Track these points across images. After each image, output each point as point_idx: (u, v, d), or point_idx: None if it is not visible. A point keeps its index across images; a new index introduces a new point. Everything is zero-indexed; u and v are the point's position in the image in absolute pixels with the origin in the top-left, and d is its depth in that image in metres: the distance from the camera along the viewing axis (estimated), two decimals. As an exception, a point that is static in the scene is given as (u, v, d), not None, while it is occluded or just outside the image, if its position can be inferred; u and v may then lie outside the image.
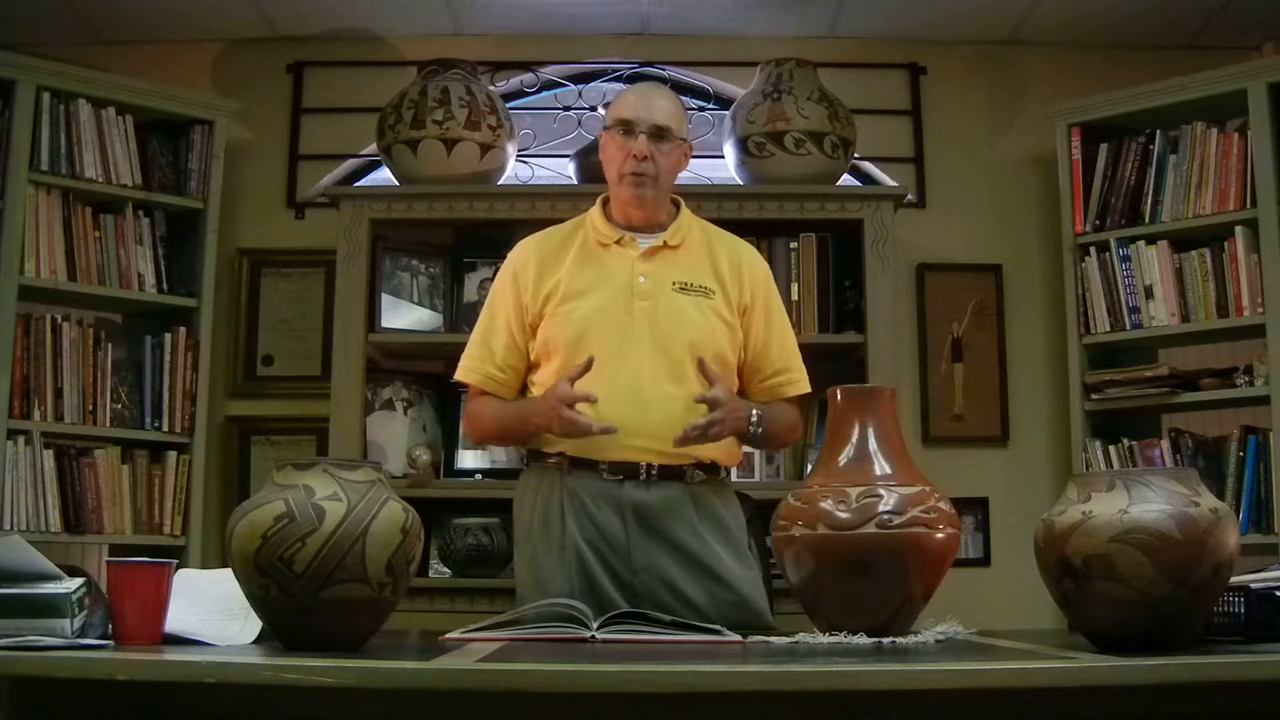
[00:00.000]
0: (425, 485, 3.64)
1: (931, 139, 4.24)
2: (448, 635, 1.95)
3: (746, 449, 2.77)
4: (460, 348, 3.95)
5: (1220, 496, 2.25)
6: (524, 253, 2.61)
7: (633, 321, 2.47)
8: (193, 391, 3.79)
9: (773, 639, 1.89)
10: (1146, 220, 3.76)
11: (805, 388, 2.62)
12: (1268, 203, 3.54)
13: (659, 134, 2.50)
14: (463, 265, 3.89)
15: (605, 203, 2.62)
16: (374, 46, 4.26)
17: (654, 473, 2.44)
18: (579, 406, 2.36)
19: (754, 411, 2.47)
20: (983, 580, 3.93)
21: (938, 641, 1.90)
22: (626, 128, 2.51)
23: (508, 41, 4.24)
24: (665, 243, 2.55)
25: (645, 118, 2.51)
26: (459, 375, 2.64)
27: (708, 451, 2.49)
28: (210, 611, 1.82)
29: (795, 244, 3.80)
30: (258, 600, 1.68)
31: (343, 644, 1.65)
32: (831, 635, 1.92)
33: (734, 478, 2.77)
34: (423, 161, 3.76)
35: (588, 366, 2.37)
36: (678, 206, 2.63)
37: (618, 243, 2.55)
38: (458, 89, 3.80)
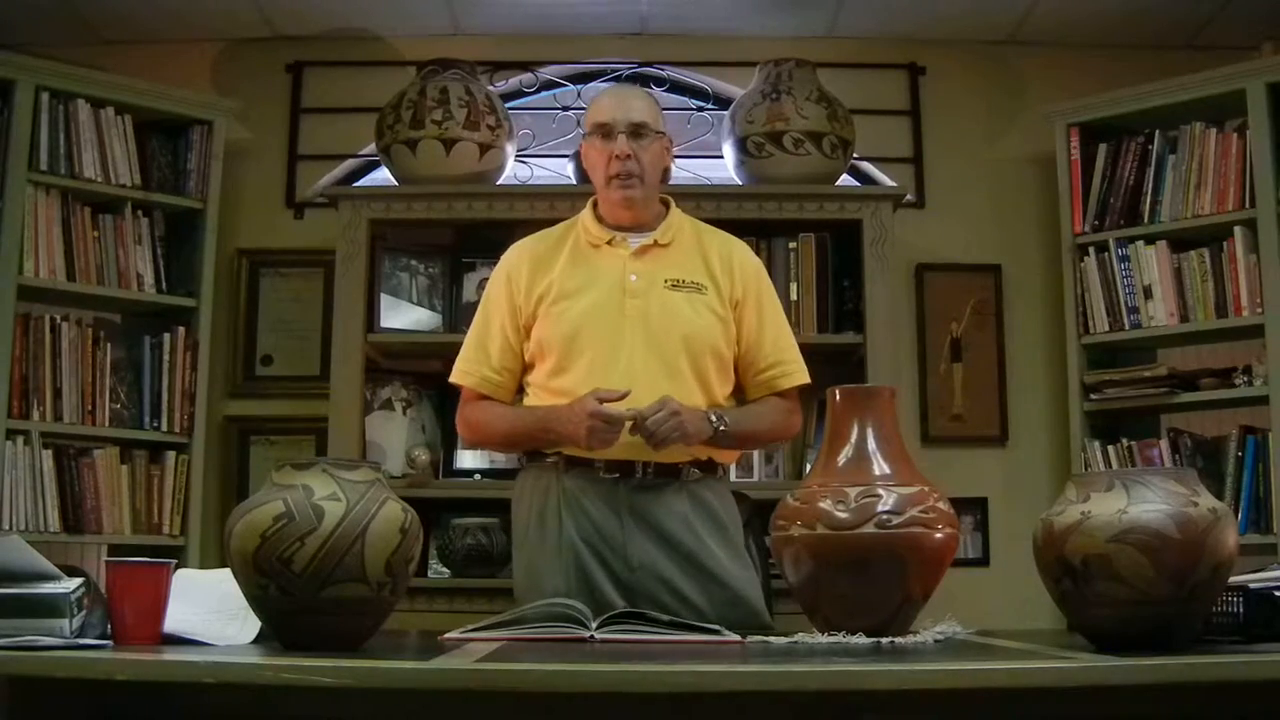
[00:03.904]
0: (424, 485, 3.65)
1: (930, 139, 4.24)
2: (447, 635, 1.94)
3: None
4: (459, 348, 3.95)
5: (1219, 496, 2.25)
6: (517, 255, 2.63)
7: (625, 320, 2.48)
8: (192, 391, 3.78)
9: (772, 639, 1.89)
10: (1145, 220, 3.76)
11: (802, 379, 2.61)
12: (1266, 203, 3.54)
13: (637, 131, 2.52)
14: (462, 265, 3.89)
15: (596, 204, 2.64)
16: (373, 46, 4.25)
17: (650, 471, 2.45)
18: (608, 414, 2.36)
19: (713, 414, 2.45)
20: (982, 580, 3.92)
21: (937, 641, 1.89)
22: (605, 131, 2.53)
23: (507, 41, 4.24)
24: (656, 241, 2.57)
25: (621, 118, 2.53)
26: (454, 378, 2.64)
27: (705, 449, 2.49)
28: (209, 611, 1.81)
29: (794, 244, 3.80)
30: (257, 600, 1.68)
31: (342, 644, 1.64)
32: (830, 635, 1.91)
33: (733, 477, 2.77)
34: (422, 161, 3.76)
35: (621, 397, 2.35)
36: (667, 206, 2.65)
37: (609, 243, 2.57)
38: (457, 89, 3.80)
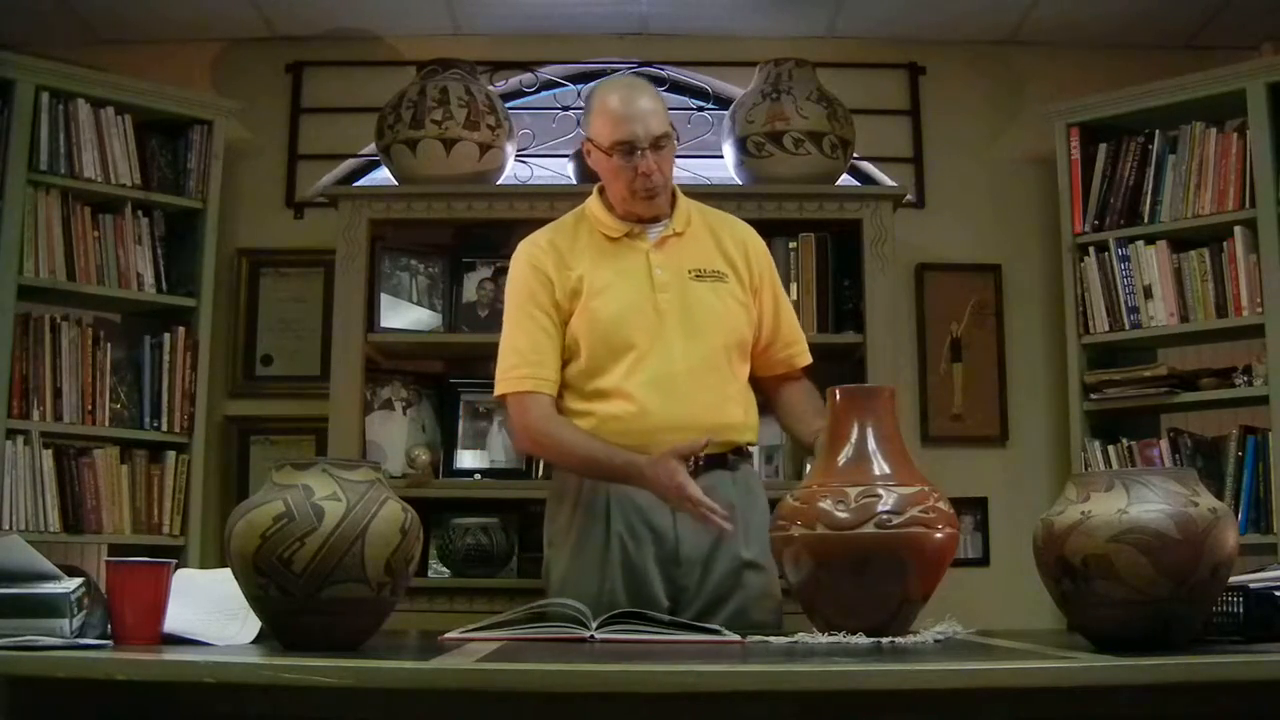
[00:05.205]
0: (424, 485, 3.64)
1: (930, 139, 4.24)
2: (446, 635, 1.95)
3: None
4: (460, 347, 3.93)
5: (1219, 496, 2.25)
6: (537, 250, 2.56)
7: (660, 316, 2.48)
8: (192, 391, 3.78)
9: (772, 639, 1.89)
10: (1145, 220, 3.76)
11: (810, 358, 2.68)
12: (1266, 203, 3.54)
13: (658, 143, 2.48)
14: (462, 265, 3.89)
15: (602, 191, 2.60)
16: (373, 46, 4.25)
17: (701, 463, 2.42)
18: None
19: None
20: (982, 580, 3.92)
21: (937, 641, 1.89)
22: (627, 149, 2.46)
23: (506, 41, 4.24)
24: (674, 231, 2.56)
25: (644, 134, 2.46)
26: (510, 387, 2.51)
27: (742, 435, 2.51)
28: (209, 611, 1.81)
29: (794, 244, 3.80)
30: (257, 600, 1.68)
31: (342, 644, 1.65)
32: (830, 635, 1.91)
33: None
34: (422, 161, 3.76)
35: (701, 448, 2.34)
36: (673, 192, 2.61)
37: (628, 235, 2.54)
38: (457, 89, 3.80)
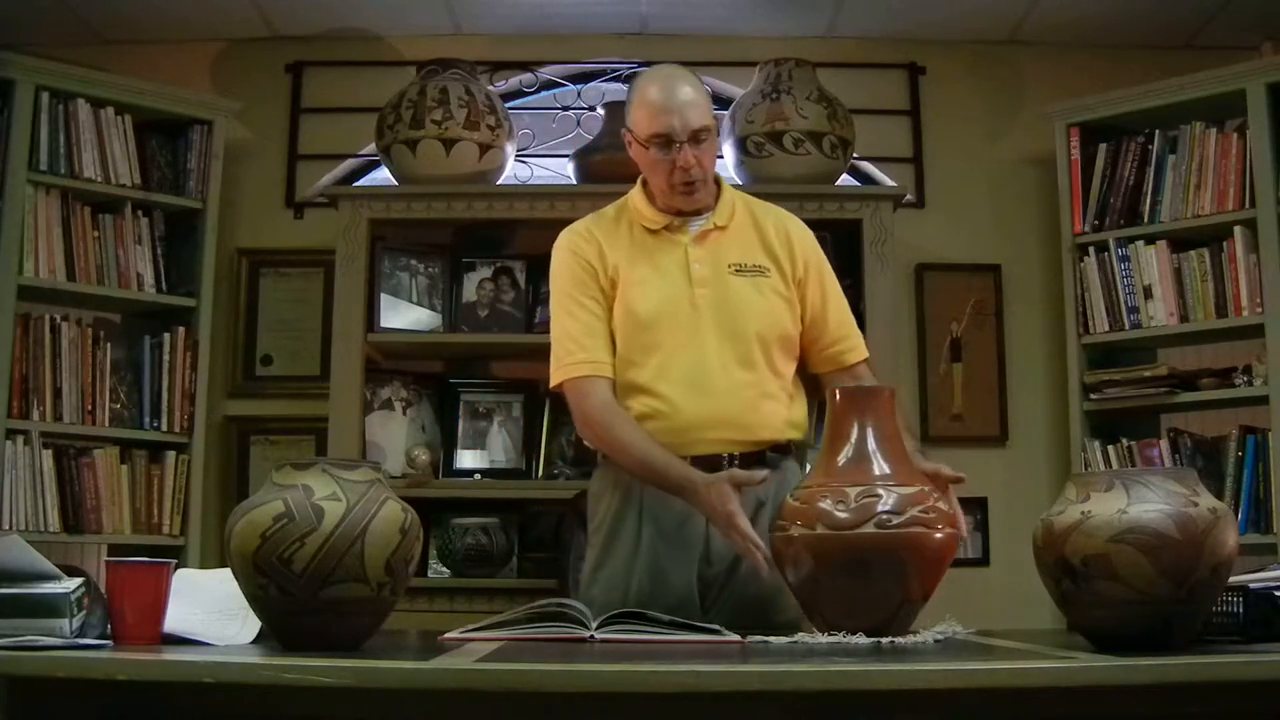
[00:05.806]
0: (424, 485, 3.65)
1: (930, 139, 4.24)
2: (447, 635, 1.94)
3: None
4: (460, 347, 3.92)
5: (1219, 496, 2.25)
6: (579, 236, 2.53)
7: (697, 311, 2.43)
8: (192, 391, 3.78)
9: (772, 639, 1.89)
10: (1145, 220, 3.76)
11: (865, 352, 2.60)
12: (1266, 203, 3.54)
13: (697, 137, 2.41)
14: (461, 265, 3.89)
15: (645, 183, 2.55)
16: (373, 46, 4.26)
17: (736, 463, 2.38)
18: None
19: (917, 452, 2.34)
20: (982, 580, 3.93)
21: (936, 641, 1.89)
22: (663, 141, 2.41)
23: (506, 41, 4.24)
24: (715, 224, 2.50)
25: (681, 127, 2.39)
26: (567, 374, 2.45)
27: (782, 433, 2.46)
28: (209, 611, 1.81)
29: (794, 244, 3.79)
30: (257, 600, 1.67)
31: (341, 644, 1.64)
32: (830, 635, 1.91)
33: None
34: (421, 161, 3.76)
35: (760, 482, 2.29)
36: (718, 184, 2.56)
37: (667, 228, 2.50)
38: (457, 89, 3.80)
